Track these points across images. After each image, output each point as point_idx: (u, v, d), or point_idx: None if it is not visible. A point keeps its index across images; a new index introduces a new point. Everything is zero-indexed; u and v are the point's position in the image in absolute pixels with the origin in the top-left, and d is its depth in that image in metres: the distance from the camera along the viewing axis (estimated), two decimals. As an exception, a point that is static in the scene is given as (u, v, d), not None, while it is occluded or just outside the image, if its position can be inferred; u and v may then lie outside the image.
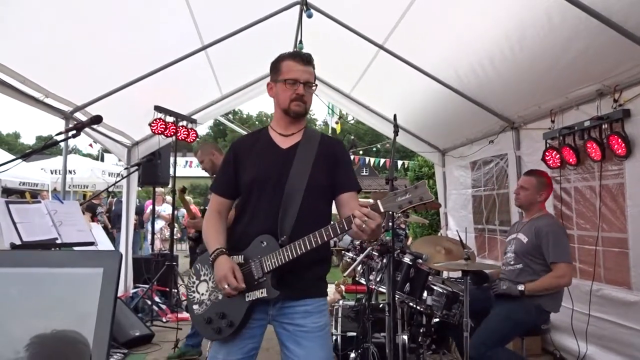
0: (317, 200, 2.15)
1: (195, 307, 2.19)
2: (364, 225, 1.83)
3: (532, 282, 3.53)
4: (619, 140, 3.65)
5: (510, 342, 3.63)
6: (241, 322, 2.07)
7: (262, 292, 2.05)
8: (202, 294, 2.19)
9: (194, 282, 2.23)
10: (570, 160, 4.24)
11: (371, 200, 1.93)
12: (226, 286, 2.02)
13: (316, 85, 2.26)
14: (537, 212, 3.80)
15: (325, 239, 1.96)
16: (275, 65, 2.25)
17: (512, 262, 3.74)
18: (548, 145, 4.56)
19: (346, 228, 1.92)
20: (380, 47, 5.13)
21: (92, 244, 3.84)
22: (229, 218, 2.33)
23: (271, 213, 2.10)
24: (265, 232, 2.09)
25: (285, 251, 2.01)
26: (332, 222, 2.01)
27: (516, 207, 4.48)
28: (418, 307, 3.72)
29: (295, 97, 2.17)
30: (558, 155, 4.40)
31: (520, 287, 3.50)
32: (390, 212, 3.03)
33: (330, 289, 7.94)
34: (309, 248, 1.97)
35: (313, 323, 2.09)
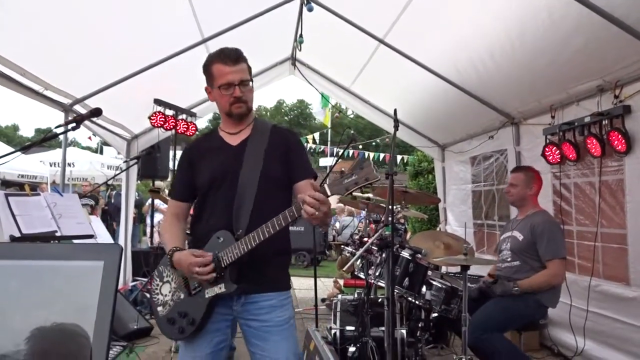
0: (272, 192, 2.13)
1: (159, 308, 2.18)
2: (316, 213, 1.78)
3: (527, 278, 3.54)
4: (619, 136, 3.65)
5: (507, 331, 3.63)
6: (202, 319, 2.07)
7: (220, 288, 2.04)
8: (166, 295, 2.18)
9: (157, 284, 2.23)
10: (570, 156, 4.24)
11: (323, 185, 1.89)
12: (196, 269, 2.00)
13: (252, 79, 2.20)
14: (532, 209, 3.80)
15: (277, 227, 1.94)
16: (207, 70, 2.20)
17: (508, 259, 3.74)
18: (548, 141, 4.56)
19: (296, 215, 1.90)
20: (381, 41, 5.11)
21: (91, 236, 3.84)
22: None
23: (227, 209, 2.10)
24: (221, 228, 2.09)
25: (240, 244, 2.00)
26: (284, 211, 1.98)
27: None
28: (417, 302, 3.73)
29: (233, 100, 2.15)
30: (558, 151, 4.40)
31: (516, 289, 3.50)
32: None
33: (329, 284, 7.96)
34: (262, 238, 1.96)
35: (278, 317, 2.10)
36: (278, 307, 2.11)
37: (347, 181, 1.81)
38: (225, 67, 2.12)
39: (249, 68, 2.20)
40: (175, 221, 2.29)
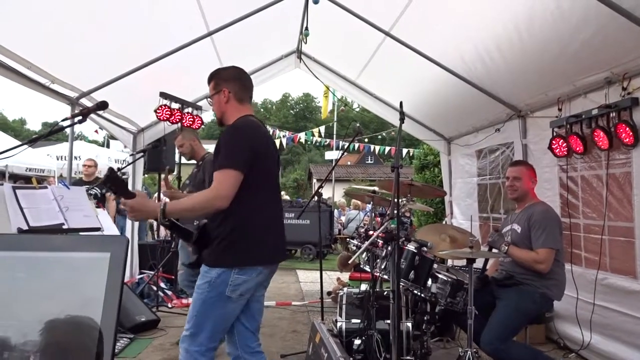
0: None
1: None
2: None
3: (519, 248, 3.57)
4: (627, 128, 3.62)
5: (519, 332, 3.63)
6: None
7: None
8: None
9: None
10: (577, 148, 4.21)
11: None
12: None
13: (210, 97, 2.89)
14: (530, 201, 3.76)
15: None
16: None
17: None
18: (555, 134, 4.53)
19: None
20: (387, 33, 5.09)
21: (98, 229, 3.85)
22: None
23: None
24: None
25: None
26: None
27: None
28: (422, 295, 3.72)
29: None
30: (565, 144, 4.37)
31: (504, 249, 3.58)
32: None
33: (334, 277, 7.98)
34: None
35: (198, 282, 2.58)
36: (200, 275, 2.58)
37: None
38: None
39: (214, 81, 2.99)
40: None
